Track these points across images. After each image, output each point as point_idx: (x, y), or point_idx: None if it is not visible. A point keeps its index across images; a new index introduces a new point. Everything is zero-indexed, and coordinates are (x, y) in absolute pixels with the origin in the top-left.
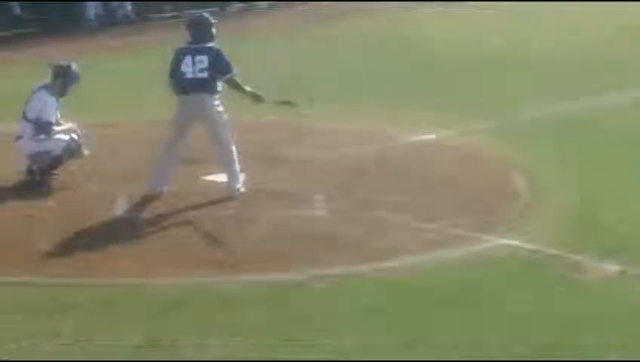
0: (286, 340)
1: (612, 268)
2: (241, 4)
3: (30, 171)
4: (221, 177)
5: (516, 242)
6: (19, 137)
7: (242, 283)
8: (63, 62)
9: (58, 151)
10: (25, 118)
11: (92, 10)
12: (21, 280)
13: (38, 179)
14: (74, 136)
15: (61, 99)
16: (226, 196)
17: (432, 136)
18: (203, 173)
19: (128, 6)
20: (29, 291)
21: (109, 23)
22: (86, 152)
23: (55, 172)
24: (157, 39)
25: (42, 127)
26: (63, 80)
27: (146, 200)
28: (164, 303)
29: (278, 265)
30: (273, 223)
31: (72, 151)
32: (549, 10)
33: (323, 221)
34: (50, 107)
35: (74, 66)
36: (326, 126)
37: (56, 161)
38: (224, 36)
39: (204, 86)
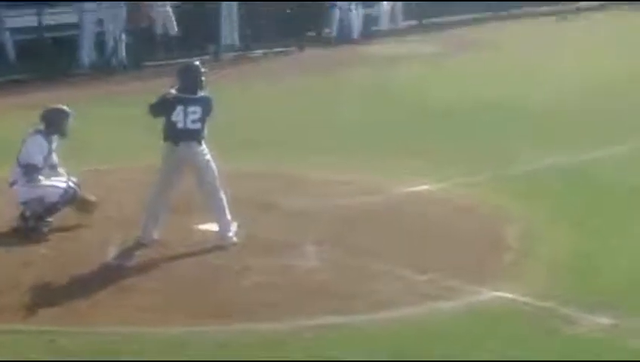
0: None
1: (605, 321)
2: (234, 53)
3: (23, 217)
4: (213, 226)
5: (509, 294)
6: (13, 183)
7: (234, 332)
8: (51, 106)
9: (54, 198)
10: (17, 163)
11: (85, 56)
12: (13, 328)
13: (31, 225)
14: (70, 183)
15: (60, 141)
16: (218, 245)
17: (426, 187)
18: (195, 221)
19: (123, 52)
20: (21, 338)
21: (103, 69)
22: (93, 198)
23: (49, 219)
24: (150, 86)
25: (28, 172)
26: (53, 123)
27: (139, 247)
28: (157, 352)
29: (270, 315)
30: (265, 272)
31: (68, 198)
32: (549, 59)
33: (315, 271)
34: (37, 151)
35: (62, 107)
36: (319, 175)
37: (51, 208)
38: (217, 84)
39: (194, 136)
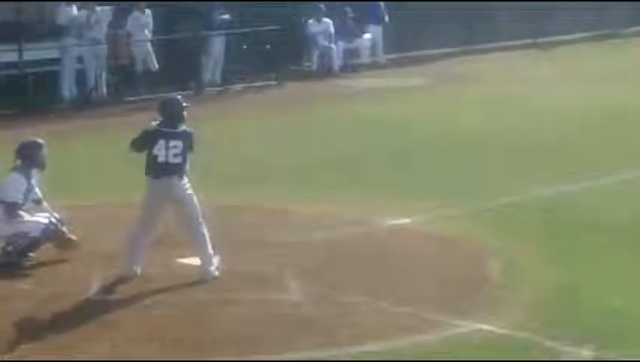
0: None
1: (587, 353)
2: (215, 88)
3: (6, 252)
4: (195, 260)
5: (491, 327)
6: None
7: None
8: (24, 140)
9: (36, 233)
10: None
11: (66, 91)
12: None
13: (13, 260)
14: (53, 219)
15: (38, 174)
16: (200, 279)
17: (407, 220)
18: (178, 255)
19: (104, 88)
20: None
21: (84, 104)
22: (74, 237)
23: (31, 254)
24: (131, 120)
25: (10, 210)
26: (28, 156)
27: (120, 282)
28: None
29: (253, 349)
30: (247, 306)
31: (50, 234)
32: (529, 92)
33: (297, 305)
34: (17, 187)
35: (35, 139)
36: (300, 209)
37: (33, 244)
38: (198, 119)
39: (175, 170)
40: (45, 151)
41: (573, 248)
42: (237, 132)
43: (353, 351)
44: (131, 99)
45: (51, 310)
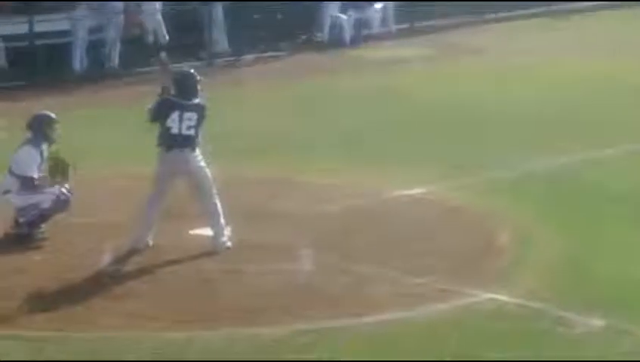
0: None
1: (598, 322)
2: (225, 59)
3: (17, 224)
4: (206, 231)
5: (502, 296)
6: (6, 191)
7: (227, 337)
8: (36, 113)
9: (46, 204)
10: (10, 172)
11: (77, 61)
12: (5, 334)
13: (25, 232)
14: (63, 190)
15: (50, 147)
16: (211, 250)
17: (418, 191)
18: (189, 226)
19: (116, 58)
20: (13, 344)
21: (95, 74)
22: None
23: (42, 226)
24: (143, 91)
25: (26, 184)
26: (39, 130)
27: (132, 253)
28: (151, 358)
29: (263, 320)
30: (258, 277)
31: (60, 205)
32: (541, 66)
33: (308, 275)
34: (32, 161)
35: (47, 113)
36: (311, 180)
37: (44, 215)
38: (209, 90)
39: (188, 143)
40: (57, 125)
41: (584, 218)
42: (247, 103)
43: (365, 320)
44: (142, 70)
45: (65, 282)
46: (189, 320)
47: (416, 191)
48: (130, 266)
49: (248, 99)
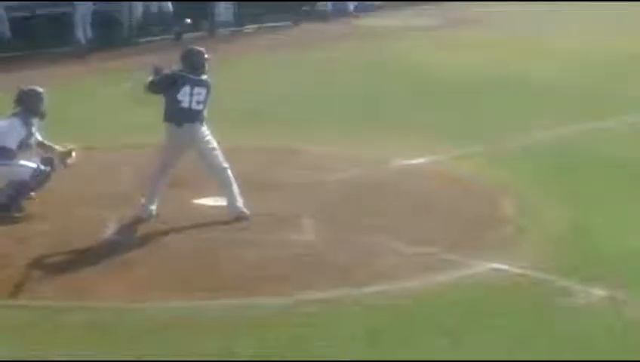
0: None
1: (601, 292)
2: (228, 29)
3: (4, 194)
4: (209, 201)
5: (505, 266)
6: None
7: (231, 306)
8: (25, 88)
9: (25, 177)
10: None
11: (80, 31)
12: (10, 303)
13: (4, 202)
14: (42, 166)
15: (38, 122)
16: (216, 220)
17: (421, 160)
18: (194, 196)
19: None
20: (19, 313)
21: (100, 45)
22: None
23: (24, 198)
24: (146, 61)
25: (2, 155)
26: (28, 105)
27: (136, 223)
28: (154, 327)
29: (267, 289)
30: (263, 247)
31: (40, 178)
32: (549, 36)
33: (312, 245)
34: (14, 133)
35: (35, 88)
36: (315, 149)
37: (22, 187)
38: (213, 60)
39: (197, 117)
40: (45, 100)
41: (587, 188)
42: (250, 73)
43: (368, 290)
44: (144, 40)
45: (67, 251)
46: (192, 289)
47: (418, 161)
48: (135, 236)
49: (250, 70)
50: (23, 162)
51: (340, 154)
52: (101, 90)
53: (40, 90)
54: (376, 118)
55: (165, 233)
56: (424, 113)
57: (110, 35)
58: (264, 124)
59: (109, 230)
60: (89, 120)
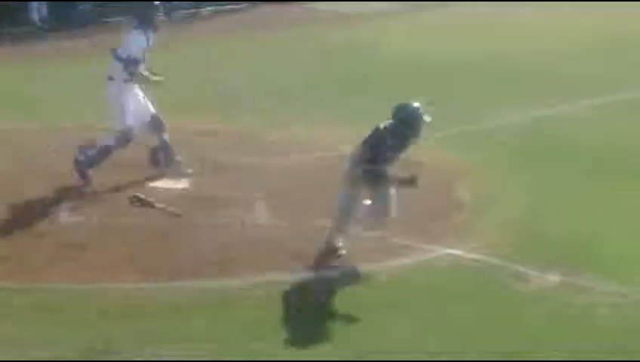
0: (222, 347)
1: (554, 278)
2: (184, 11)
3: (77, 161)
4: (165, 183)
5: (460, 252)
6: (110, 78)
7: (183, 289)
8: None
9: (108, 141)
10: (117, 57)
11: (35, 12)
12: None
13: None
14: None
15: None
16: (171, 202)
17: None
18: (149, 179)
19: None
20: None
21: (58, 25)
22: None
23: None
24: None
25: (129, 65)
26: (146, 17)
27: (92, 205)
28: (105, 309)
29: (220, 272)
30: (216, 229)
31: (123, 141)
32: (512, 19)
33: (265, 228)
34: (138, 45)
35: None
36: (270, 134)
37: (103, 152)
38: (169, 43)
39: None
40: (160, 15)
41: (546, 174)
42: (206, 56)
43: (324, 274)
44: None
45: (22, 232)
46: (143, 272)
47: None
48: (90, 218)
49: (206, 53)
50: (131, 104)
51: (295, 138)
52: (60, 70)
53: (156, 2)
54: (330, 103)
55: (118, 216)
56: (379, 98)
57: (66, 16)
58: (215, 108)
59: (63, 212)
60: (47, 99)
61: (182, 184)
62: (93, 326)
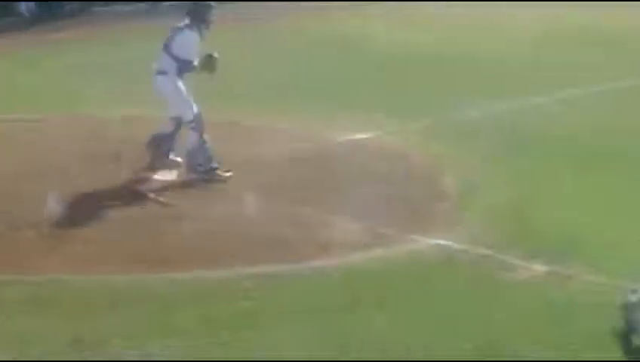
0: (211, 339)
1: (540, 267)
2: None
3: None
4: (159, 175)
5: (445, 242)
6: (161, 72)
7: (172, 280)
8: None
9: (195, 144)
10: (168, 52)
11: (22, 4)
12: None
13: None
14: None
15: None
16: (158, 194)
17: (362, 137)
18: (136, 170)
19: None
20: None
21: (47, 16)
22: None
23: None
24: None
25: (184, 68)
26: (199, 15)
27: (80, 198)
28: (94, 301)
29: (208, 263)
30: (202, 220)
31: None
32: (492, 14)
33: (253, 219)
34: (193, 47)
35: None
36: (259, 124)
37: (198, 153)
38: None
39: None
40: (214, 12)
41: (531, 163)
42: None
43: (308, 265)
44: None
45: (8, 224)
46: (133, 263)
47: (362, 136)
48: (77, 211)
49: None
50: (183, 94)
51: (281, 128)
52: (46, 61)
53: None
54: (313, 95)
55: (106, 207)
56: (362, 90)
57: (53, 7)
58: (205, 99)
59: (51, 204)
60: (34, 90)
61: (172, 175)
62: (81, 319)
